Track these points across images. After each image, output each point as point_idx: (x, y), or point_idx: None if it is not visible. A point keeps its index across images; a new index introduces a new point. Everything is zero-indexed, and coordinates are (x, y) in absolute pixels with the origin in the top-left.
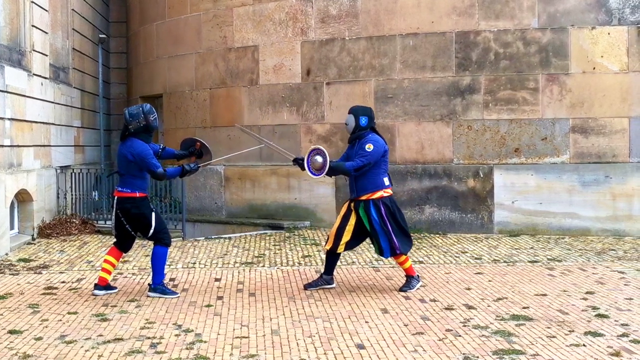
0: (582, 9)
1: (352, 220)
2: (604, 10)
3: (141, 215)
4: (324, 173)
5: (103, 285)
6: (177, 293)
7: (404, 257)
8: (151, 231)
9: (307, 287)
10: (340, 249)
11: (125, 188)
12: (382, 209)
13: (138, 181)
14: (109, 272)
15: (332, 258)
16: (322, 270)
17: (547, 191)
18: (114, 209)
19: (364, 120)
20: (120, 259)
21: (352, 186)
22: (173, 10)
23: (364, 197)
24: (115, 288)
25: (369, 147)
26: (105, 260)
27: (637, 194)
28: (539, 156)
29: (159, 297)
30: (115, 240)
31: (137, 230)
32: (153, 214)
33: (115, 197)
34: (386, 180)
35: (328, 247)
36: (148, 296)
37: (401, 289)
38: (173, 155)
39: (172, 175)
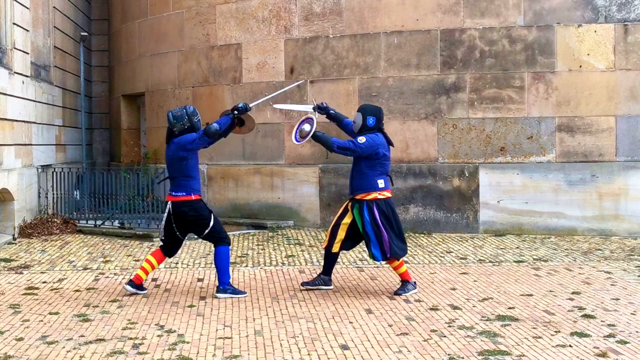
0: (568, 6)
1: (347, 220)
2: (590, 8)
3: (199, 217)
4: (305, 140)
5: (137, 284)
6: (245, 292)
7: (397, 261)
8: (207, 230)
9: (304, 284)
10: (335, 248)
11: (180, 192)
12: (376, 212)
13: (191, 182)
14: (147, 272)
15: (329, 258)
16: (321, 270)
17: (533, 190)
18: (166, 214)
19: (371, 121)
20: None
21: (350, 184)
22: (155, 8)
23: (358, 197)
24: (145, 290)
25: (362, 139)
26: (147, 260)
27: (624, 194)
28: (524, 155)
29: (229, 298)
30: (162, 244)
31: (189, 232)
32: (212, 215)
33: (169, 202)
34: (381, 183)
35: (324, 245)
36: (216, 297)
37: (396, 292)
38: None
39: (225, 125)
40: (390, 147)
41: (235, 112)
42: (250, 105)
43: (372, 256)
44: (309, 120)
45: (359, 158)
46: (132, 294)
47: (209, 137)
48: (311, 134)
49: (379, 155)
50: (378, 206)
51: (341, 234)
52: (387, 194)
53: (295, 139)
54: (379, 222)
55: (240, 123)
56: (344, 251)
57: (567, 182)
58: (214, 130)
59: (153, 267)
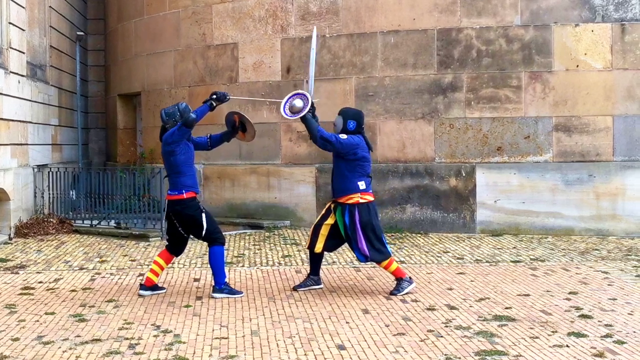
0: (565, 6)
1: (330, 221)
2: (587, 7)
3: (191, 217)
4: (299, 116)
5: (149, 286)
6: (242, 292)
7: (385, 262)
8: (203, 232)
9: (296, 288)
10: (318, 248)
11: (173, 190)
12: (356, 216)
13: (181, 178)
14: (157, 274)
15: (314, 258)
16: (309, 271)
17: (530, 190)
18: (165, 212)
19: (352, 125)
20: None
21: (332, 187)
22: (151, 7)
23: (341, 200)
24: (164, 289)
25: (343, 136)
26: (155, 262)
27: (621, 193)
28: (521, 155)
29: (225, 297)
30: (167, 243)
31: (190, 233)
32: (203, 214)
33: (167, 201)
34: (362, 184)
35: (307, 245)
36: (212, 297)
37: (392, 292)
38: (221, 138)
39: (202, 113)
40: (370, 150)
41: (214, 96)
42: (230, 96)
43: (357, 258)
44: (301, 96)
45: (339, 159)
46: (144, 296)
47: (186, 127)
48: (304, 112)
49: (357, 156)
50: (359, 211)
51: (323, 234)
52: (369, 198)
53: (284, 112)
54: (357, 226)
55: (242, 129)
56: (334, 251)
57: (564, 182)
58: (191, 120)
59: (162, 268)
